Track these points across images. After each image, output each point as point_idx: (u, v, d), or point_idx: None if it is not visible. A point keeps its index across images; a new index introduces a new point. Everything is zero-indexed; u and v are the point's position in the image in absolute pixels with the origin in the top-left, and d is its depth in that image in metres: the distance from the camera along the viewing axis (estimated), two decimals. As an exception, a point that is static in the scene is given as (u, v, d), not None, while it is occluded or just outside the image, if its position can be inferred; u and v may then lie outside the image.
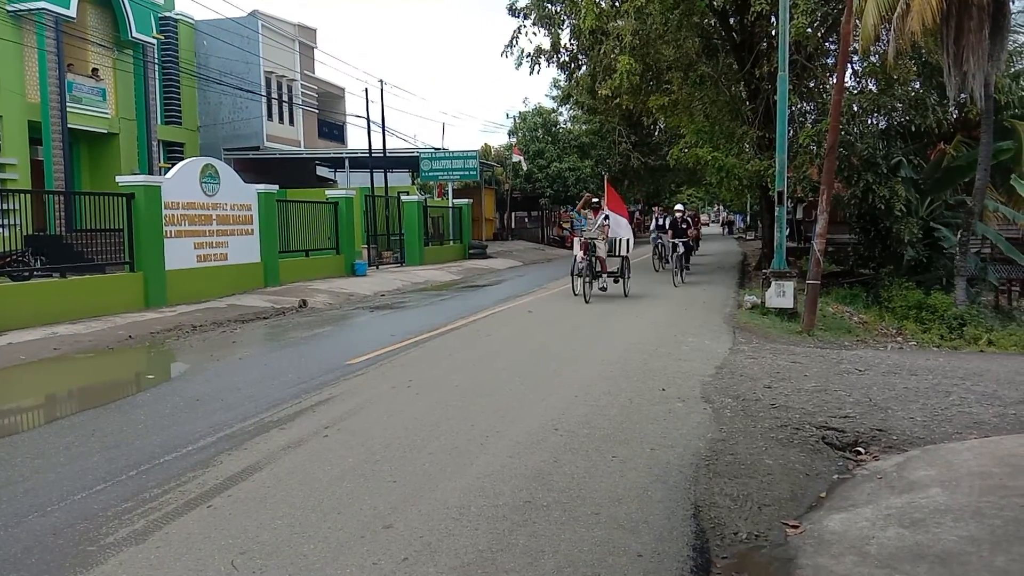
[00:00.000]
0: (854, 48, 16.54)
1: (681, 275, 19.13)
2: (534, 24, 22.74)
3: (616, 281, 15.80)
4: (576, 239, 15.41)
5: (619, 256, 16.31)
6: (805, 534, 4.07)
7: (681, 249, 19.37)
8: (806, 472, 5.15)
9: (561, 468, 5.13)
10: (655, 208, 27.67)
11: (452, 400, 7.12)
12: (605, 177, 18.22)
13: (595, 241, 14.95)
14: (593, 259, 14.87)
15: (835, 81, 14.06)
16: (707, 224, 71.03)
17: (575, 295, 15.61)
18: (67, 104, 21.10)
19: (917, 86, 18.63)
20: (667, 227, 20.80)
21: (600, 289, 15.61)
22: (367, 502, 4.57)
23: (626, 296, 15.62)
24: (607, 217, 15.57)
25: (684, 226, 20.24)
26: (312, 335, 11.75)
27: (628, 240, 16.57)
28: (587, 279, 14.84)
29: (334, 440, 5.85)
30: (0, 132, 20.36)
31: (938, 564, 3.52)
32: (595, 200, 15.84)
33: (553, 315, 13.36)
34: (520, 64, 23.89)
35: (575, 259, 15.30)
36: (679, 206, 21.37)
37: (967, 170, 18.64)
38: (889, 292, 17.63)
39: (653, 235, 23.20)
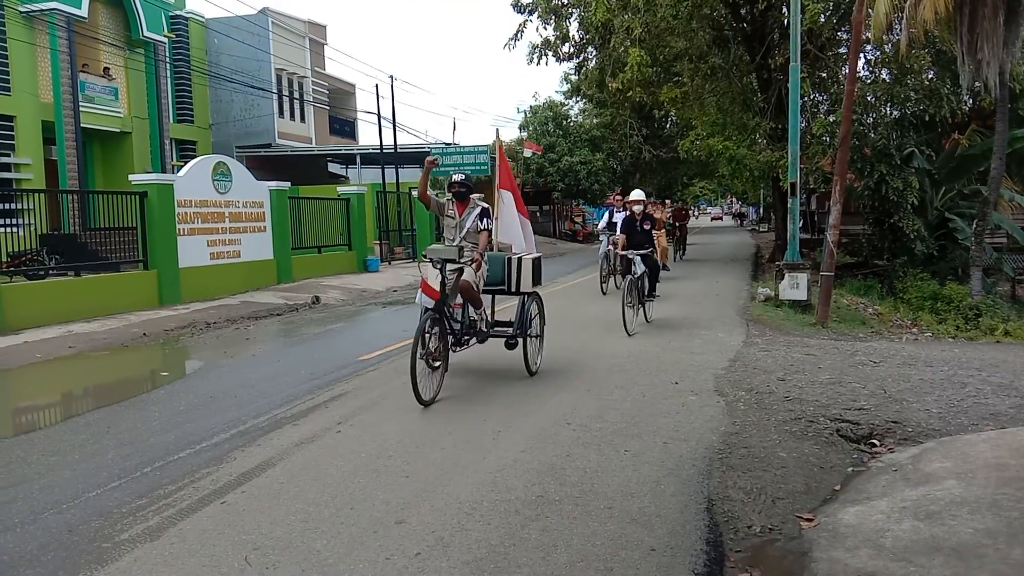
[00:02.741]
0: (867, 38, 16.41)
1: (643, 312, 11.26)
2: (539, 18, 22.67)
3: (512, 346, 7.74)
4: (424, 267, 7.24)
5: (518, 292, 7.99)
6: (819, 527, 4.05)
7: (640, 269, 10.93)
8: (820, 465, 5.12)
9: (573, 462, 5.12)
10: (616, 197, 17.44)
11: (464, 394, 7.13)
12: (496, 134, 9.53)
13: (448, 265, 7.03)
14: (449, 304, 7.14)
15: (847, 71, 13.95)
16: (695, 217, 67.71)
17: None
18: (80, 104, 21.22)
19: (931, 75, 18.46)
20: (622, 227, 12.01)
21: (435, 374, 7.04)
22: (380, 497, 4.57)
23: (532, 375, 7.82)
24: (484, 213, 7.58)
25: (646, 226, 11.44)
26: (325, 331, 11.79)
27: (532, 260, 8.05)
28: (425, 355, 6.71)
29: (347, 436, 5.87)
30: (14, 132, 20.50)
31: (954, 557, 3.49)
32: (458, 179, 7.63)
33: (565, 308, 13.33)
34: (531, 61, 23.79)
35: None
36: (637, 193, 12.13)
37: (982, 159, 18.49)
38: (904, 283, 17.51)
39: (600, 241, 16.60)
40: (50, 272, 13.22)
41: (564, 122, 42.27)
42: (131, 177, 15.14)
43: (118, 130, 23.97)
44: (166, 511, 4.45)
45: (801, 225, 16.65)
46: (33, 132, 20.91)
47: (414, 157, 34.60)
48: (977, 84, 15.88)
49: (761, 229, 52.94)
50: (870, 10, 14.76)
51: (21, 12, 20.56)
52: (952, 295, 15.56)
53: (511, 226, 8.53)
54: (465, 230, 7.50)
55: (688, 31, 19.13)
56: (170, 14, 26.13)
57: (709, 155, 21.39)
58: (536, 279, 8.09)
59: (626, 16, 18.84)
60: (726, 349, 9.25)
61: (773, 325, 11.41)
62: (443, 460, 5.23)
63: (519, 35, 23.70)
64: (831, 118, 17.48)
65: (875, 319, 13.45)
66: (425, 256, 7.06)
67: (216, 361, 9.54)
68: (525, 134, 42.45)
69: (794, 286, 12.94)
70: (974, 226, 16.30)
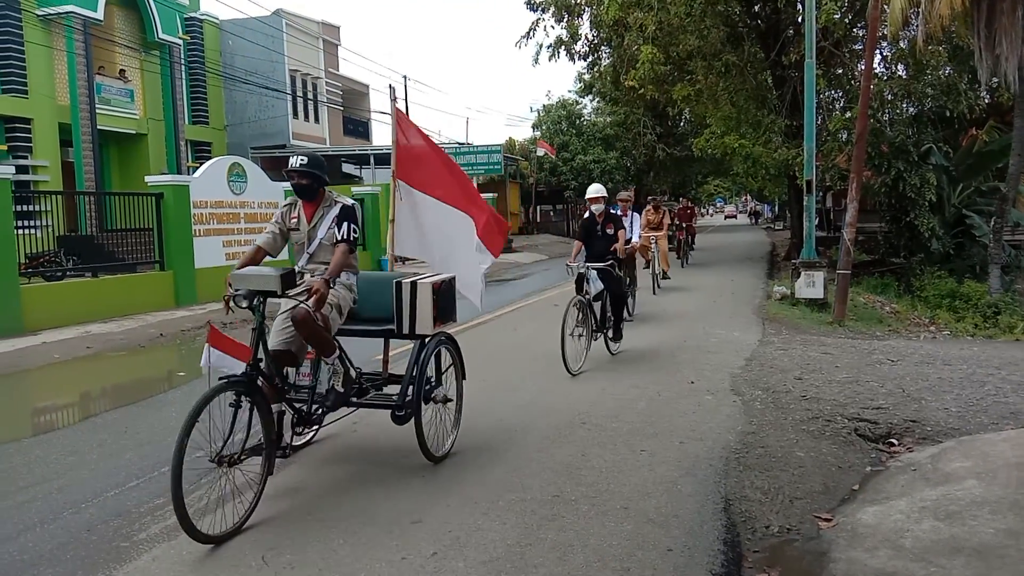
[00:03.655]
0: (883, 34, 16.28)
1: (608, 343, 8.82)
2: (552, 16, 22.63)
3: (399, 419, 5.05)
4: None
5: (412, 336, 5.23)
6: (838, 527, 4.02)
7: (595, 288, 8.50)
8: (838, 464, 5.08)
9: (589, 462, 5.11)
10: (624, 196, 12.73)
11: (479, 394, 7.11)
12: (390, 92, 6.39)
13: (279, 299, 4.61)
14: (289, 367, 4.83)
15: (864, 67, 13.85)
16: (710, 215, 64.60)
17: None
18: (96, 106, 21.40)
19: (948, 71, 18.29)
20: (578, 232, 9.58)
21: None
22: (396, 497, 4.57)
23: (435, 462, 5.18)
24: (346, 215, 5.04)
25: (608, 231, 8.94)
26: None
27: (434, 285, 5.15)
28: None
29: (363, 434, 5.88)
30: (32, 134, 20.67)
31: (975, 558, 3.45)
32: (298, 164, 4.89)
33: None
34: (544, 58, 23.89)
35: None
36: (595, 189, 9.04)
37: (1000, 155, 18.30)
38: (921, 281, 17.36)
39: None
40: (67, 273, 13.32)
41: (577, 121, 42.20)
42: (147, 178, 15.25)
43: (134, 132, 24.13)
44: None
45: (817, 223, 16.54)
46: (50, 134, 21.08)
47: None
48: (995, 79, 15.70)
49: (776, 227, 52.66)
50: (886, 6, 14.66)
51: (38, 15, 20.74)
52: (970, 293, 15.41)
53: (420, 231, 6.06)
54: (316, 244, 4.98)
55: (701, 28, 19.04)
56: (185, 16, 26.28)
57: (724, 153, 21.24)
58: (445, 314, 5.24)
59: (639, 14, 18.77)
60: (742, 348, 9.20)
61: (789, 324, 11.34)
62: (459, 459, 5.23)
63: (531, 33, 23.68)
64: (847, 115, 17.36)
65: (892, 317, 13.35)
66: (231, 287, 4.36)
67: (232, 361, 9.57)
68: (538, 133, 42.43)
69: (810, 284, 12.85)
70: (992, 223, 16.12)
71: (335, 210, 4.99)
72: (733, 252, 27.77)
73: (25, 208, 14.93)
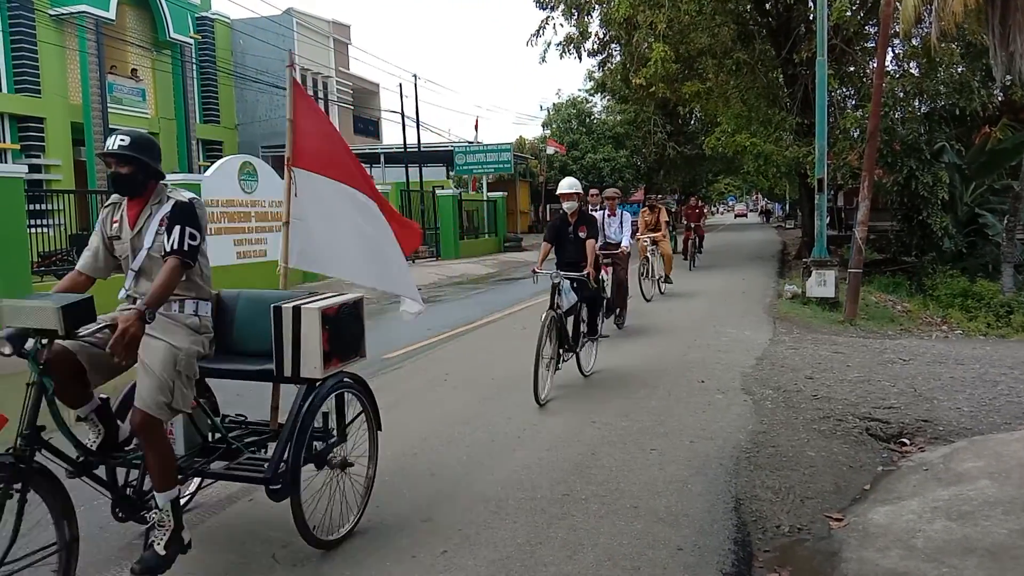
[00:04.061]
0: (895, 31, 16.18)
1: (577, 362, 7.64)
2: (562, 14, 22.61)
3: (275, 495, 3.68)
4: None
5: (296, 380, 3.86)
6: (849, 527, 4.00)
7: (568, 301, 7.25)
8: (850, 464, 5.06)
9: (599, 461, 5.11)
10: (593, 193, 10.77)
11: (489, 394, 7.13)
12: (289, 58, 4.57)
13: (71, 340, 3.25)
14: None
15: (876, 65, 13.78)
16: (721, 213, 62.73)
17: None
18: (108, 105, 21.53)
19: (961, 68, 18.17)
20: (547, 234, 8.27)
21: None
22: (405, 495, 4.58)
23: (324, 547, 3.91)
24: (179, 214, 3.57)
25: (581, 234, 7.78)
26: (350, 329, 11.82)
27: (324, 310, 3.79)
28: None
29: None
30: (44, 134, 20.81)
31: (988, 558, 3.43)
32: (116, 145, 3.55)
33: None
34: (553, 56, 23.88)
35: None
36: (567, 184, 7.89)
37: (1013, 153, 18.18)
38: (933, 280, 17.27)
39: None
40: (80, 272, 13.38)
41: (587, 119, 42.17)
42: (159, 178, 15.32)
43: (145, 131, 24.09)
44: (194, 508, 4.49)
45: (828, 221, 16.47)
46: (62, 133, 21.22)
47: (438, 156, 34.69)
48: (1009, 77, 15.59)
49: (787, 226, 52.49)
50: (898, 3, 14.57)
51: (51, 15, 20.87)
52: (983, 292, 15.32)
53: (333, 232, 4.60)
54: (141, 257, 3.61)
55: (712, 26, 18.99)
56: (196, 15, 26.42)
57: (735, 151, 21.14)
58: (344, 348, 4.02)
59: (649, 12, 18.73)
60: (753, 347, 9.17)
61: (800, 323, 11.29)
62: (468, 458, 5.23)
63: (541, 31, 23.66)
64: (859, 113, 17.27)
65: (904, 316, 13.28)
66: None
67: (243, 359, 9.60)
68: (548, 132, 42.42)
69: (821, 283, 12.80)
70: (1005, 222, 16.04)
71: (165, 208, 3.55)
72: (744, 251, 27.68)
73: (38, 207, 15.02)
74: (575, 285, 7.28)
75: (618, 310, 10.19)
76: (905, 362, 8.16)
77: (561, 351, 7.12)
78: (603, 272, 9.00)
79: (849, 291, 12.01)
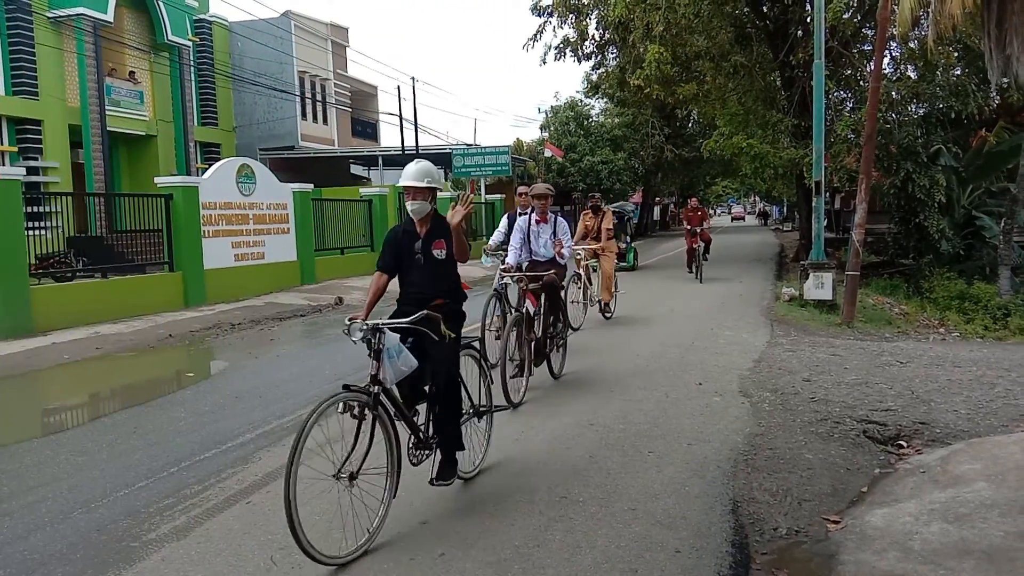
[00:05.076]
0: (892, 34, 16.21)
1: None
2: (558, 17, 22.64)
3: None
4: None
5: None
6: (846, 529, 4.01)
7: (395, 372, 4.14)
8: (847, 466, 5.07)
9: (597, 463, 5.11)
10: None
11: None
12: None
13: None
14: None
15: (873, 68, 13.80)
16: (717, 215, 62.19)
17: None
18: (106, 107, 21.48)
19: (958, 71, 18.21)
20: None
21: None
22: (403, 497, 4.57)
23: None
24: None
25: (437, 253, 4.73)
26: (348, 332, 11.81)
27: None
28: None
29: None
30: (42, 136, 20.78)
31: (985, 560, 3.44)
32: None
33: (587, 309, 13.27)
34: (551, 58, 23.75)
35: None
36: (412, 173, 4.57)
37: (1010, 156, 18.23)
38: (930, 282, 17.30)
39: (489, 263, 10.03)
40: (77, 274, 13.37)
41: (585, 122, 42.20)
42: (156, 180, 15.31)
43: (143, 133, 24.21)
44: (193, 510, 4.49)
45: (825, 224, 16.47)
46: (60, 136, 21.18)
47: (435, 158, 34.67)
48: (1005, 80, 15.61)
49: (785, 228, 52.54)
50: (895, 6, 14.60)
51: (49, 17, 20.84)
52: (980, 295, 15.35)
53: None
54: None
55: (710, 29, 19.01)
56: (194, 18, 26.38)
57: (733, 153, 21.14)
58: None
59: (645, 13, 18.75)
60: (750, 350, 9.18)
61: (798, 325, 11.31)
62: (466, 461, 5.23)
63: (539, 35, 23.69)
64: (856, 115, 17.29)
65: (901, 319, 13.30)
66: None
67: (241, 362, 9.61)
68: (546, 134, 42.43)
69: (819, 286, 12.81)
70: (1002, 224, 16.07)
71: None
72: (741, 253, 27.69)
73: (35, 209, 15.00)
74: (413, 340, 4.45)
75: (554, 349, 7.70)
76: (902, 364, 8.17)
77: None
78: (528, 303, 7.06)
79: (846, 293, 12.02)
